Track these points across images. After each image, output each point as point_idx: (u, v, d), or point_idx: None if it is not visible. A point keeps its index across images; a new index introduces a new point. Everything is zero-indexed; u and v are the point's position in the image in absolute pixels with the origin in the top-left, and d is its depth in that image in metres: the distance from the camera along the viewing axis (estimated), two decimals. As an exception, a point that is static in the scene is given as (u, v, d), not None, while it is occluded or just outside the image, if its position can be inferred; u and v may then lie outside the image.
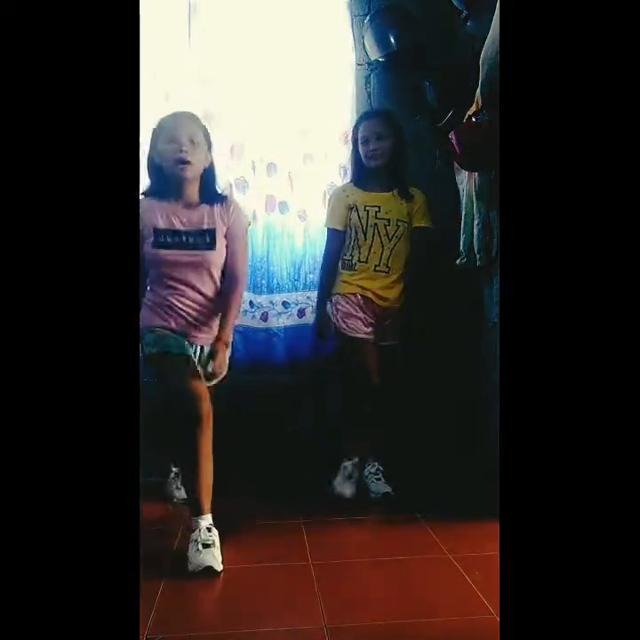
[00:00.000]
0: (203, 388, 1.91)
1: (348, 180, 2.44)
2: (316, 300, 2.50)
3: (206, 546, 1.80)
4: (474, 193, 2.29)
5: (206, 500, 1.87)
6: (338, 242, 2.38)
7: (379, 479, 2.34)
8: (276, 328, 2.63)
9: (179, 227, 1.95)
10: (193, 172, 1.94)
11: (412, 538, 2.03)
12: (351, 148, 2.39)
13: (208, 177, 2.00)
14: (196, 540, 1.82)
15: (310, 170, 2.62)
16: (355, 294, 2.34)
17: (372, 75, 2.67)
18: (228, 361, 2.00)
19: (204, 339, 1.99)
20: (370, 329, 2.35)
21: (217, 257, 1.99)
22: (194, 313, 1.98)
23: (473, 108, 2.17)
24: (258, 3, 2.56)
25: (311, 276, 2.63)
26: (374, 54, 2.57)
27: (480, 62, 2.02)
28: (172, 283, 1.96)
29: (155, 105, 2.38)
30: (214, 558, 1.78)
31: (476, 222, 2.30)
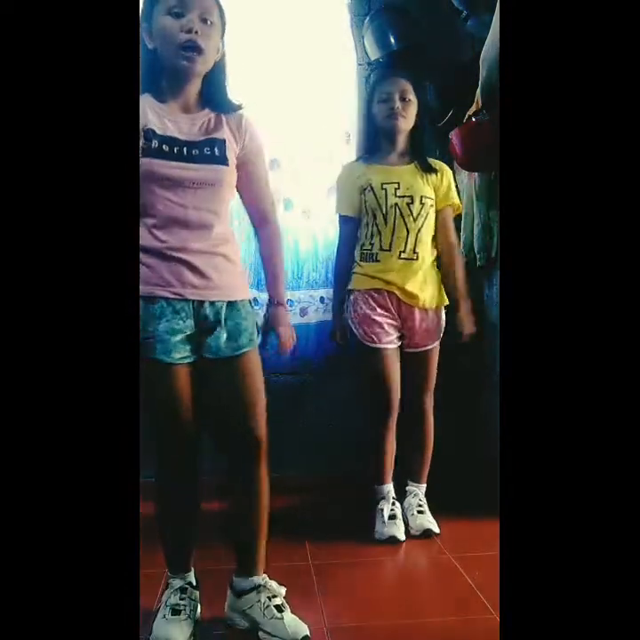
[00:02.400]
0: (195, 417, 1.45)
1: (356, 158, 2.12)
2: (318, 298, 2.49)
3: (176, 612, 1.48)
4: (474, 193, 2.30)
5: (187, 557, 1.56)
6: (350, 230, 2.07)
7: (422, 512, 2.10)
8: None
9: (177, 134, 1.40)
10: (204, 65, 1.40)
11: (412, 538, 2.03)
12: (362, 111, 2.05)
13: (216, 75, 1.46)
14: (166, 604, 1.52)
15: (314, 167, 2.62)
16: (378, 291, 2.02)
17: (372, 75, 2.67)
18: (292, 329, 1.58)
19: (218, 292, 1.45)
20: (392, 336, 2.04)
21: (231, 176, 1.46)
22: (201, 256, 1.42)
23: (473, 108, 2.17)
24: (258, 1, 2.56)
25: (314, 274, 2.61)
26: (374, 54, 2.57)
27: (480, 62, 2.02)
28: (169, 212, 1.39)
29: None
30: (181, 631, 1.46)
31: (476, 222, 2.30)
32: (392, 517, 2.04)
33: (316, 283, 2.60)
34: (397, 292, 2.01)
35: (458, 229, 2.43)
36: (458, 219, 2.42)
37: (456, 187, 2.45)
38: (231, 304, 1.47)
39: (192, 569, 1.56)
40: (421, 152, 2.06)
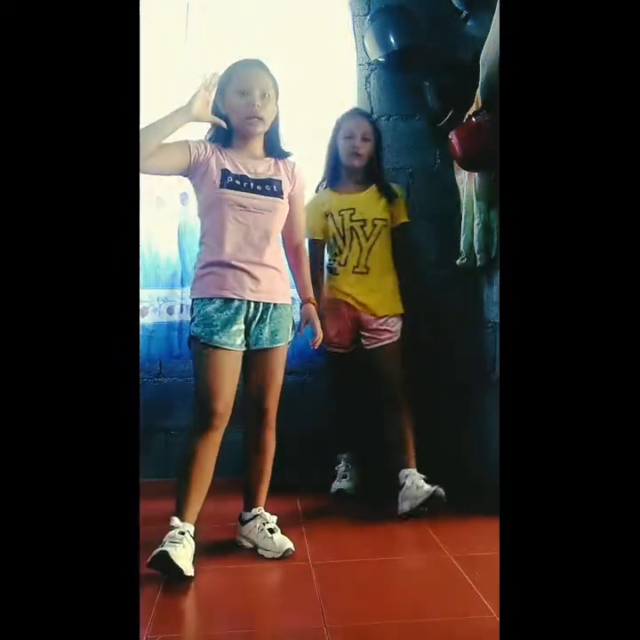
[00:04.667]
0: (232, 396, 1.84)
1: (324, 185, 2.43)
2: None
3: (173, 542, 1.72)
4: (474, 193, 2.29)
5: (190, 508, 1.80)
6: (317, 251, 2.38)
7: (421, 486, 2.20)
8: None
9: (247, 173, 1.87)
10: (264, 128, 1.88)
11: (412, 538, 2.03)
12: (329, 145, 2.38)
13: (274, 131, 1.94)
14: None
15: (318, 165, 2.61)
16: (337, 301, 2.34)
17: (371, 75, 2.67)
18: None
19: (267, 295, 1.87)
20: (348, 340, 2.37)
21: (284, 208, 1.92)
22: (257, 267, 1.85)
23: (473, 108, 2.17)
24: (260, 2, 2.57)
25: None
26: (374, 54, 2.57)
27: (480, 62, 2.02)
28: (236, 230, 1.83)
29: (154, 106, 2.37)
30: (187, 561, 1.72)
31: (476, 222, 2.30)
32: (344, 477, 2.41)
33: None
34: (351, 302, 2.33)
35: (457, 230, 2.43)
36: (457, 219, 2.43)
37: (457, 186, 2.47)
38: (276, 306, 1.89)
39: (193, 526, 1.80)
40: (379, 179, 2.38)
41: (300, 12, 2.59)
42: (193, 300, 1.87)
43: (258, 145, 1.92)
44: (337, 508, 2.32)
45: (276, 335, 1.90)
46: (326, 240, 2.39)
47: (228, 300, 1.82)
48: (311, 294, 2.06)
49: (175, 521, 1.78)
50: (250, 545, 1.93)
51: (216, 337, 1.80)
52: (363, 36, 2.59)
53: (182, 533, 1.75)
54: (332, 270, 2.39)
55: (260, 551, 1.88)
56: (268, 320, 1.87)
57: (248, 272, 1.83)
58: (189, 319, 1.90)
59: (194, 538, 1.78)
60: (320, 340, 2.03)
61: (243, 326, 1.84)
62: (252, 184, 1.86)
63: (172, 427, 2.53)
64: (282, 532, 1.90)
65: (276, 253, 1.92)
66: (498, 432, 0.89)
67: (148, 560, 1.68)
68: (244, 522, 1.96)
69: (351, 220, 2.33)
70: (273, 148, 1.94)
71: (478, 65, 2.04)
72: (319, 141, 2.54)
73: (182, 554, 1.70)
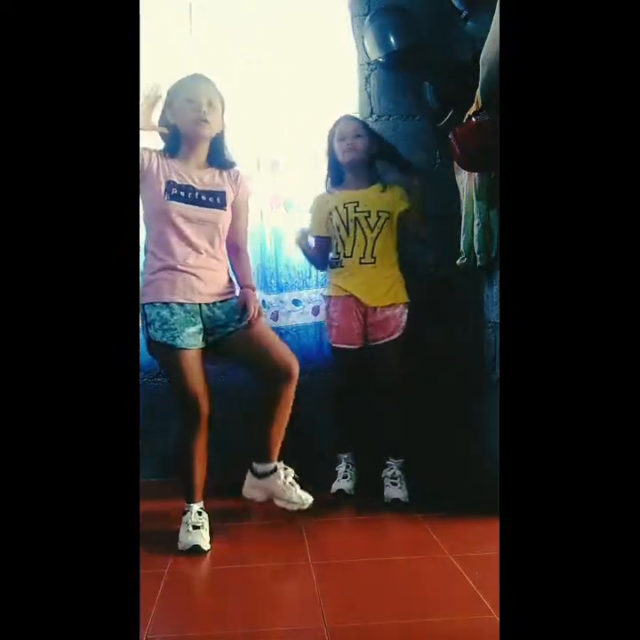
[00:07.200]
0: (205, 386, 1.95)
1: (328, 187, 2.46)
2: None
3: (196, 527, 1.93)
4: (474, 193, 2.29)
5: (198, 489, 1.99)
6: (322, 246, 2.45)
7: (394, 484, 2.32)
8: (286, 327, 2.64)
9: (192, 184, 1.96)
10: (210, 132, 1.97)
11: (412, 538, 2.03)
12: (328, 150, 2.43)
13: (218, 142, 2.03)
14: (187, 523, 1.95)
15: (315, 166, 2.61)
16: (344, 296, 2.37)
17: (371, 75, 2.67)
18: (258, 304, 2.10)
19: (215, 296, 1.99)
20: (357, 336, 2.37)
21: (226, 218, 2.02)
22: (203, 271, 1.96)
23: (473, 108, 2.17)
24: (261, 3, 2.57)
25: (323, 273, 2.63)
26: (374, 54, 2.57)
27: (480, 62, 2.02)
28: (182, 239, 1.94)
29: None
30: (203, 538, 1.92)
31: (476, 222, 2.30)
32: (344, 477, 2.43)
33: (325, 281, 2.61)
34: (358, 295, 2.34)
35: (457, 230, 2.43)
36: (457, 219, 2.43)
37: (457, 186, 2.46)
38: (222, 301, 2.01)
39: (202, 501, 2.00)
40: (378, 176, 2.43)
41: (300, 12, 2.59)
42: (144, 305, 1.94)
43: (203, 153, 2.01)
44: (337, 507, 2.32)
45: (233, 318, 1.99)
46: (330, 237, 2.41)
47: (180, 304, 1.92)
48: (251, 281, 2.13)
49: (192, 507, 1.96)
50: (262, 497, 2.03)
51: (179, 340, 1.90)
52: (363, 36, 2.59)
53: (200, 512, 1.97)
54: (336, 263, 2.40)
55: (280, 503, 2.00)
56: (218, 313, 1.98)
57: (196, 276, 1.95)
58: (143, 324, 1.95)
59: (205, 510, 1.99)
60: (255, 316, 2.05)
61: (201, 325, 1.95)
62: (196, 194, 1.95)
63: (172, 427, 2.54)
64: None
65: (221, 257, 2.04)
66: (498, 432, 0.89)
67: (180, 548, 1.90)
68: (260, 474, 2.02)
69: (355, 212, 2.35)
70: (216, 157, 2.03)
71: (478, 65, 2.04)
72: (319, 141, 2.54)
73: (205, 537, 1.92)
